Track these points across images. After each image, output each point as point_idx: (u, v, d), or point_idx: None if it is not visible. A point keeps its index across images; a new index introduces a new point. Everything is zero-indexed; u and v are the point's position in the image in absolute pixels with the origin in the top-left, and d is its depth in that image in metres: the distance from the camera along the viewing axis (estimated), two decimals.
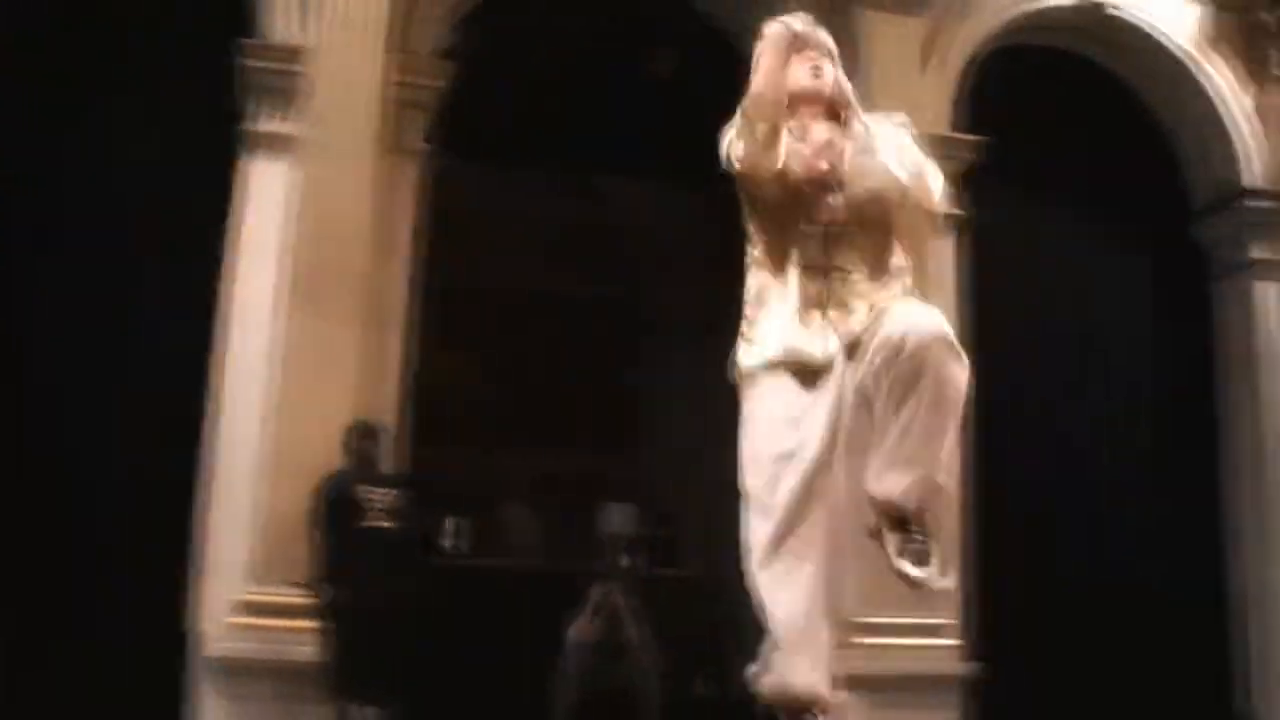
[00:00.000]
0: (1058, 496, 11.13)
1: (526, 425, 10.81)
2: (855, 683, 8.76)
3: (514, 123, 10.43)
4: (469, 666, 9.07)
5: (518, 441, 10.71)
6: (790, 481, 4.05)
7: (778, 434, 4.11)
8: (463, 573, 10.29)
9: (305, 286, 8.82)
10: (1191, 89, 11.99)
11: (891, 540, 4.12)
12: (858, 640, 8.95)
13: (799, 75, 4.27)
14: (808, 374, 4.10)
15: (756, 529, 4.13)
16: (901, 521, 4.10)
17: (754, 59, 4.23)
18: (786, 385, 4.12)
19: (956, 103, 10.81)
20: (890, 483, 4.04)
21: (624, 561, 9.28)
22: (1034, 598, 10.59)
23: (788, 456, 4.06)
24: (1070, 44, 11.81)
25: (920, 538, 4.12)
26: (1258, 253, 11.77)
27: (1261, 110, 12.04)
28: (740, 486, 4.21)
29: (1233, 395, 11.80)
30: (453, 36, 10.00)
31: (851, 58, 10.09)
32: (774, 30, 4.24)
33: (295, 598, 8.02)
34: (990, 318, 10.75)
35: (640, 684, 8.97)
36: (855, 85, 4.50)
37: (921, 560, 4.11)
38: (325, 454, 8.19)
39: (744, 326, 4.26)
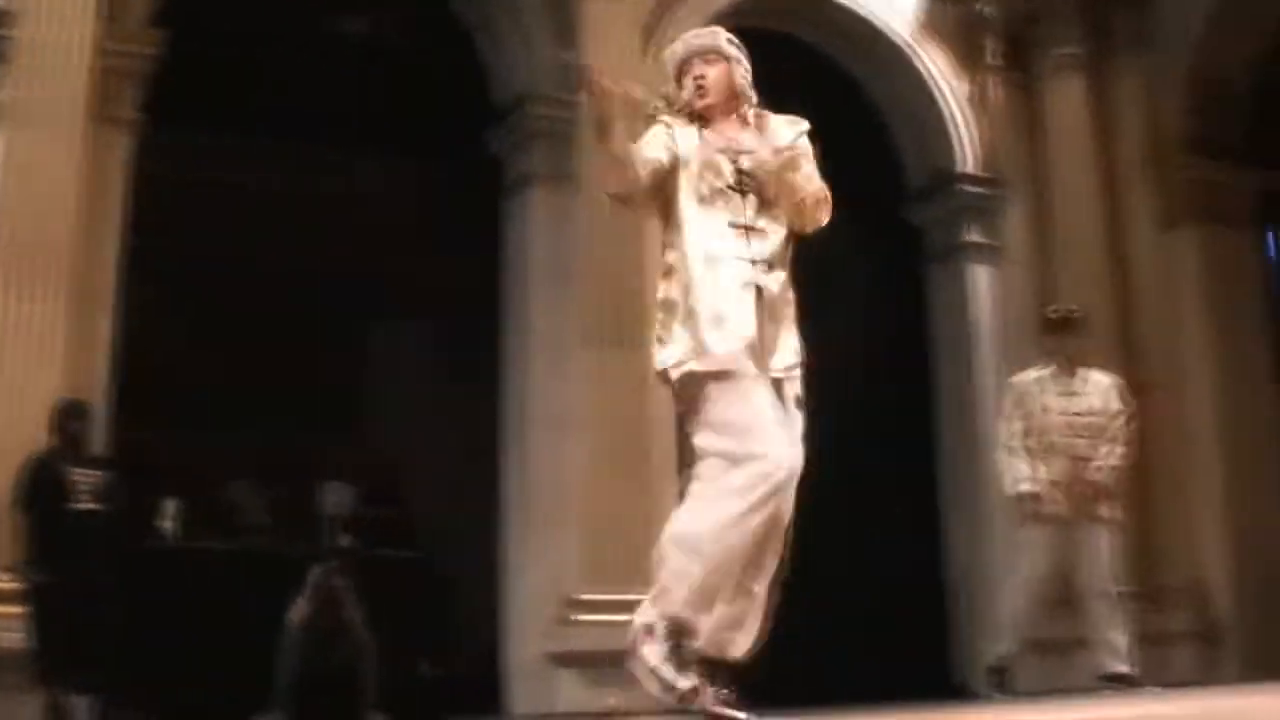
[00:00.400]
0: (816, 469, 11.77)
1: (247, 403, 10.85)
2: (579, 660, 9.28)
3: (229, 90, 10.31)
4: (184, 651, 8.95)
5: (239, 421, 10.75)
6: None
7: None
8: (179, 555, 10.33)
9: (9, 261, 8.64)
10: (909, 77, 12.67)
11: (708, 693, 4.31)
12: (581, 618, 9.42)
13: (687, 93, 4.84)
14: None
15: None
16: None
17: None
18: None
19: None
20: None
21: (343, 541, 9.49)
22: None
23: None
24: (792, 29, 12.26)
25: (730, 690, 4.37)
26: (970, 236, 12.52)
27: (976, 99, 12.80)
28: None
29: (946, 376, 12.53)
30: (165, 2, 9.89)
31: (572, 43, 10.62)
32: (665, 57, 5.00)
33: (1, 582, 7.94)
34: None
35: (359, 665, 9.20)
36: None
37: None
38: (32, 434, 8.07)
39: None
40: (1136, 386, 11.82)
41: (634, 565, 9.46)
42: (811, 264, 12.30)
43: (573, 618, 9.54)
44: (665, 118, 4.78)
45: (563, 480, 9.99)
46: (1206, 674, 11.32)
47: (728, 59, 4.91)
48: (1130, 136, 12.67)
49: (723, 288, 4.43)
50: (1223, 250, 12.56)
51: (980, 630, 11.50)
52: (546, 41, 10.87)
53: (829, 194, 4.96)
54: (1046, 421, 8.23)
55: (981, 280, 12.48)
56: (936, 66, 12.70)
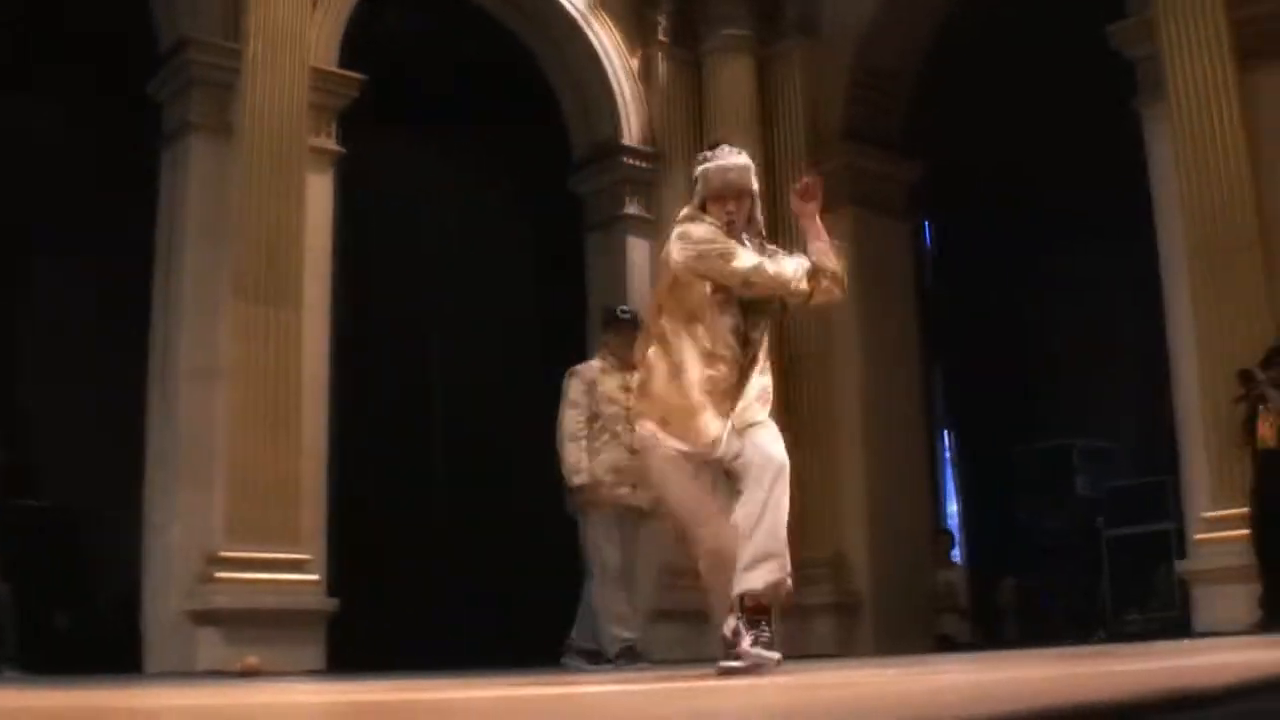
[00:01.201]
0: (427, 434, 12.34)
1: None
2: (219, 618, 9.77)
3: None
4: None
5: None
6: None
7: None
8: None
9: None
10: (580, 48, 13.34)
11: (747, 635, 5.32)
12: (222, 575, 9.86)
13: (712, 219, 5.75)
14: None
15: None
16: (757, 613, 5.38)
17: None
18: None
19: (345, 40, 11.57)
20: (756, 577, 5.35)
21: None
22: (394, 537, 11.65)
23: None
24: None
25: (769, 628, 5.41)
26: (631, 209, 13.33)
27: (643, 74, 13.62)
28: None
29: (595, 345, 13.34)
30: None
31: None
32: (699, 173, 5.92)
33: None
34: (367, 257, 11.96)
35: None
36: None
37: (770, 646, 5.36)
38: None
39: None
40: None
41: (279, 523, 10.16)
42: (479, 230, 13.17)
43: (215, 575, 9.80)
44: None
45: (209, 435, 10.19)
46: (843, 645, 12.49)
47: (752, 195, 5.90)
48: (792, 120, 13.58)
49: None
50: (878, 237, 13.54)
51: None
52: None
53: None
54: (610, 412, 8.87)
55: (639, 252, 13.22)
56: (607, 40, 13.40)
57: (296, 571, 10.21)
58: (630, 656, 8.67)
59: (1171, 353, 10.94)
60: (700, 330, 5.68)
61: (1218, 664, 3.32)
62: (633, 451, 8.62)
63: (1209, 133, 10.37)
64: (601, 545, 8.87)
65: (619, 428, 8.79)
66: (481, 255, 13.00)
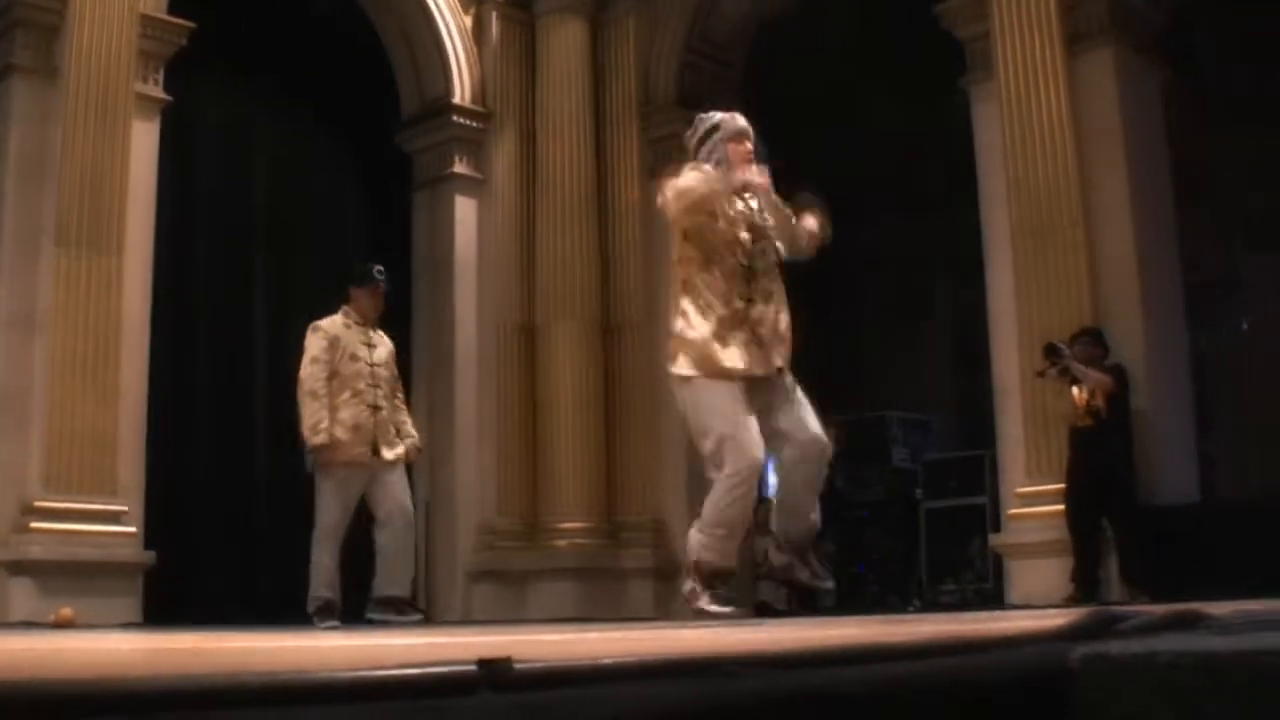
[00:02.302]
0: (248, 387, 12.50)
1: None
2: (33, 569, 9.83)
3: None
4: None
5: None
6: None
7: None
8: None
9: None
10: (412, 3, 13.49)
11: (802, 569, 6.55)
12: (37, 525, 9.87)
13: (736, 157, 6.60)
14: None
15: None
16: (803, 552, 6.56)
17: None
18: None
19: None
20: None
21: None
22: (212, 490, 11.95)
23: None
24: None
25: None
26: (460, 168, 13.57)
27: (476, 32, 13.83)
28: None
29: (423, 302, 13.53)
30: None
31: None
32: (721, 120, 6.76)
33: None
34: (192, 206, 12.04)
35: None
36: None
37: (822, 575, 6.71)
38: None
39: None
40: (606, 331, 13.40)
41: (96, 474, 10.26)
42: (306, 183, 13.27)
43: (30, 525, 9.89)
44: None
45: (26, 383, 10.26)
46: (661, 609, 12.84)
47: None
48: (624, 86, 13.89)
49: None
50: None
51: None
52: None
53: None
54: (352, 370, 8.94)
55: (466, 211, 13.54)
56: None
57: (113, 523, 10.31)
58: (326, 614, 8.68)
59: (991, 328, 11.33)
60: (715, 272, 6.40)
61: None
62: (374, 408, 8.98)
63: (1036, 113, 10.74)
64: (328, 502, 8.85)
65: (361, 385, 8.94)
66: (308, 209, 13.16)
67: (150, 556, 10.48)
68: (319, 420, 8.73)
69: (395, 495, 9.08)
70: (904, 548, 14.10)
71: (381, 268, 9.56)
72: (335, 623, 8.48)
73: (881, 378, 16.25)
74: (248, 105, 12.87)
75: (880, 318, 16.70)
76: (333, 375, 8.86)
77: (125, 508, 10.42)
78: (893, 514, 14.34)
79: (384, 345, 9.27)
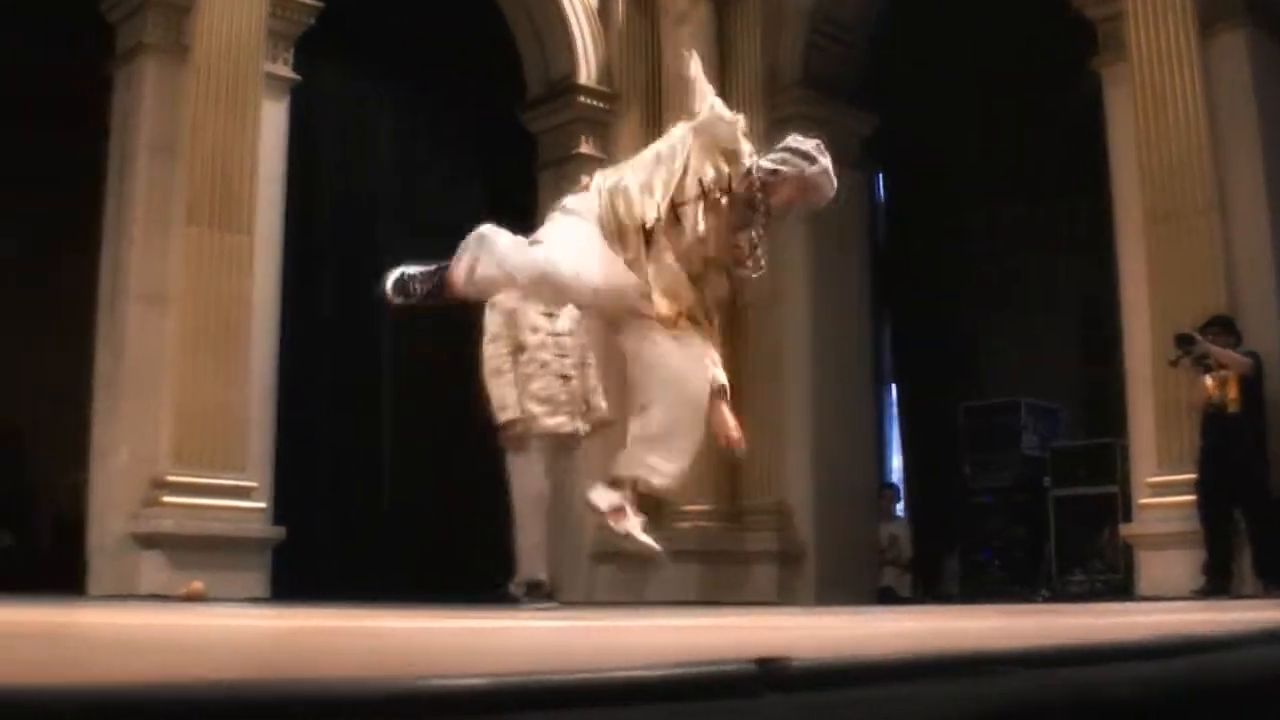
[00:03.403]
0: (375, 362, 12.60)
1: None
2: (164, 542, 9.99)
3: None
4: None
5: None
6: None
7: None
8: None
9: None
10: None
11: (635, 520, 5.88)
12: (168, 500, 10.12)
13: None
14: None
15: None
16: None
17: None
18: None
19: None
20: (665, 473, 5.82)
21: None
22: (341, 465, 12.04)
23: None
24: None
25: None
26: (585, 148, 13.59)
27: (601, 13, 13.87)
28: None
29: None
30: None
31: None
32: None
33: None
34: (319, 185, 12.18)
35: None
36: None
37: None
38: None
39: None
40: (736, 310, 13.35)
41: (225, 449, 10.39)
42: (429, 163, 13.38)
43: (160, 499, 10.04)
44: None
45: (156, 359, 10.37)
46: (784, 594, 12.85)
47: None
48: (748, 67, 13.79)
49: None
50: None
51: None
52: None
53: None
54: (535, 340, 8.79)
55: None
56: None
57: (242, 498, 10.44)
58: (537, 595, 8.58)
59: (1123, 315, 11.21)
60: None
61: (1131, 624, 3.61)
62: (564, 378, 8.93)
63: (1169, 97, 10.58)
64: (526, 479, 8.76)
65: (546, 356, 8.82)
66: (433, 187, 13.24)
67: (279, 532, 10.61)
68: (504, 397, 8.68)
69: (578, 470, 9.04)
70: (1030, 536, 13.96)
71: None
72: (551, 604, 8.40)
73: (1007, 365, 16.07)
74: (372, 85, 12.98)
75: (1005, 304, 16.50)
76: (518, 350, 8.78)
77: (255, 483, 10.55)
78: (1019, 502, 14.19)
79: (568, 314, 9.06)
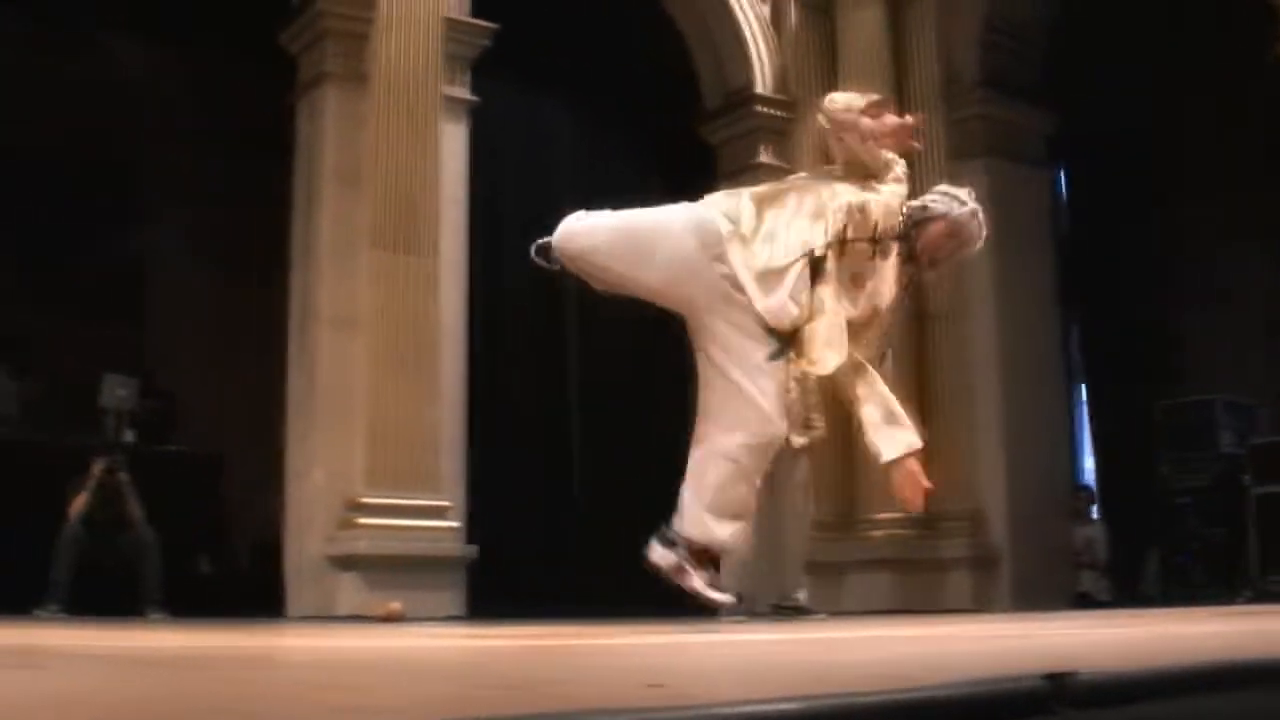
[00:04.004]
0: (562, 379, 12.64)
1: (27, 293, 11.45)
2: (359, 563, 10.06)
3: None
4: None
5: (20, 309, 11.36)
6: None
7: None
8: None
9: None
10: None
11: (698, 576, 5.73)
12: (363, 521, 10.19)
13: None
14: None
15: None
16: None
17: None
18: None
19: None
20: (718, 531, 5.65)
21: (126, 435, 10.16)
22: (532, 483, 12.06)
23: None
24: None
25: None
26: (763, 157, 13.50)
27: (774, 21, 13.78)
28: None
29: None
30: None
31: None
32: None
33: None
34: (500, 205, 12.21)
35: (140, 560, 9.90)
36: None
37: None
38: None
39: None
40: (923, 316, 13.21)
41: (417, 469, 10.44)
42: (608, 179, 13.39)
43: (355, 520, 10.12)
44: None
45: (347, 382, 10.46)
46: (979, 600, 12.63)
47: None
48: (925, 68, 13.63)
49: None
50: (1012, 186, 13.42)
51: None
52: None
53: None
54: None
55: None
56: None
57: (436, 518, 10.46)
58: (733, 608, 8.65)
59: None
60: None
61: None
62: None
63: None
64: None
65: None
66: (613, 202, 13.18)
67: (473, 551, 10.61)
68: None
69: (798, 485, 8.94)
70: (1230, 536, 13.55)
71: None
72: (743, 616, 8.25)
73: (1199, 361, 15.67)
74: (549, 103, 12.99)
75: (1195, 299, 16.09)
76: None
77: (449, 503, 10.55)
78: (1218, 501, 13.77)
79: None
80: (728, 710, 1.36)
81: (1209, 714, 1.50)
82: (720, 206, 5.78)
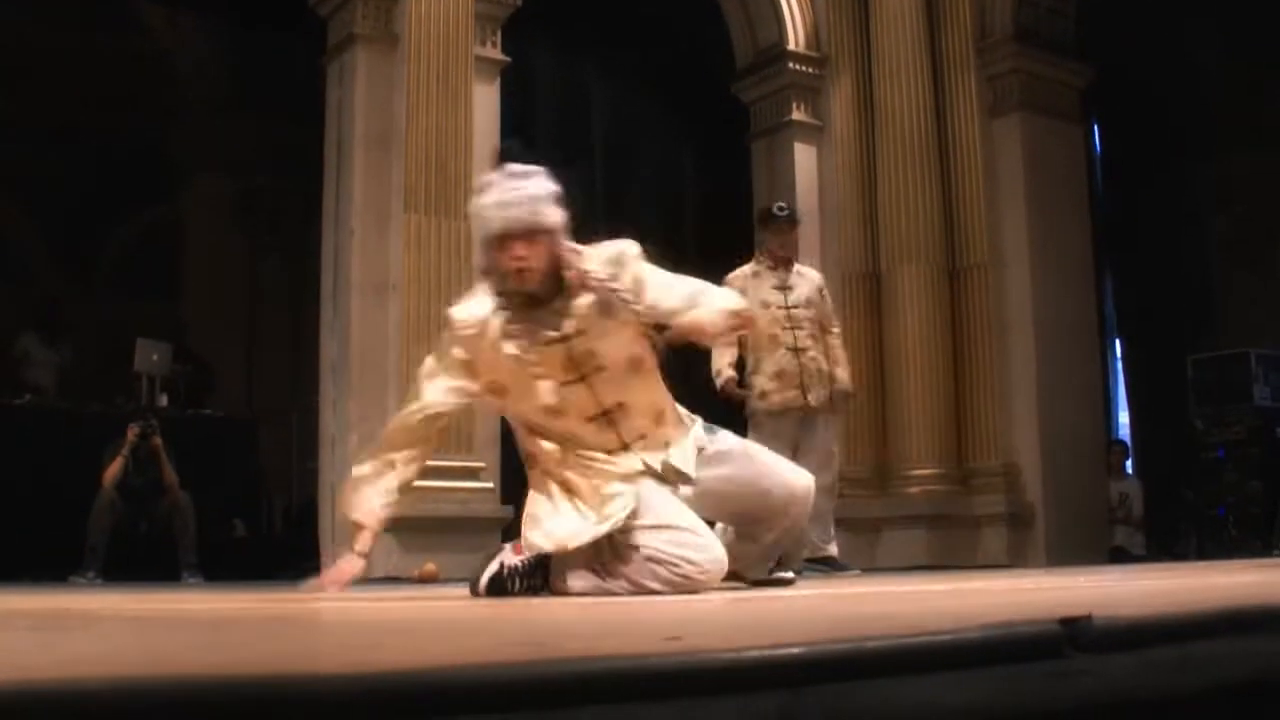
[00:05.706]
0: None
1: (61, 262, 11.40)
2: (394, 525, 9.88)
3: None
4: None
5: (55, 278, 11.30)
6: None
7: None
8: None
9: None
10: None
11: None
12: None
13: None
14: None
15: None
16: None
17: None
18: None
19: None
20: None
21: (159, 400, 10.10)
22: None
23: None
24: None
25: None
26: (797, 115, 13.30)
27: None
28: None
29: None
30: None
31: None
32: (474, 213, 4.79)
33: None
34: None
35: (176, 525, 9.85)
36: None
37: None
38: None
39: None
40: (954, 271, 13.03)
41: (451, 433, 10.28)
42: (642, 137, 13.20)
43: None
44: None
45: (381, 345, 10.35)
46: (1015, 557, 12.47)
47: (549, 232, 4.73)
48: (959, 23, 13.38)
49: None
50: (1047, 141, 13.35)
51: None
52: None
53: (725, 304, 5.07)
54: (766, 316, 8.64)
55: (806, 158, 13.26)
56: None
57: (471, 479, 10.35)
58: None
59: None
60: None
61: None
62: (797, 351, 8.68)
63: None
64: None
65: (777, 330, 8.73)
66: (644, 162, 13.08)
67: (508, 511, 10.45)
68: (717, 367, 8.65)
69: (822, 445, 8.91)
70: (1267, 490, 13.37)
71: (783, 204, 9.38)
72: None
73: (1234, 315, 15.45)
74: (580, 63, 12.81)
75: (1230, 254, 15.86)
76: None
77: (482, 464, 10.44)
78: (1252, 454, 13.59)
79: (804, 285, 9.00)
80: (732, 656, 1.36)
81: (1225, 658, 1.48)
82: None
